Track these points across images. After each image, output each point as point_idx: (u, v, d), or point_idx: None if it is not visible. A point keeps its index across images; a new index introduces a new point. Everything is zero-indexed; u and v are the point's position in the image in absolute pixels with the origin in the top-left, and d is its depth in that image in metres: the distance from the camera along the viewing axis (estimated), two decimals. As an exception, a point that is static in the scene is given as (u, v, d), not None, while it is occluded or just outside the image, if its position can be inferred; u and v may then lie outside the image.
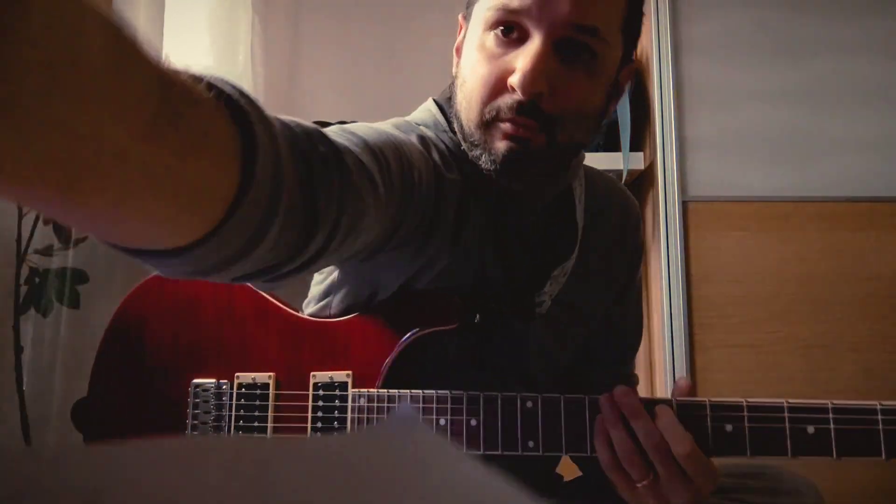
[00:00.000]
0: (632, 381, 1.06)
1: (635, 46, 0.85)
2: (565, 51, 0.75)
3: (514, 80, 0.74)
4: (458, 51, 0.87)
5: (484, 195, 0.85)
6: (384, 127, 0.81)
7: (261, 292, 0.93)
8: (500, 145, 0.77)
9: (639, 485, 0.73)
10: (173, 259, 0.45)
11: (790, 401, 0.73)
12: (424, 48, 1.98)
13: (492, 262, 0.86)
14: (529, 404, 0.78)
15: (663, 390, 1.59)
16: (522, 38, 0.76)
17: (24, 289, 1.58)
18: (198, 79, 0.42)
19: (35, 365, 1.70)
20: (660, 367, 1.62)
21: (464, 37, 0.85)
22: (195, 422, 0.91)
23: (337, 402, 0.85)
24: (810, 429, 0.72)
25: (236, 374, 0.89)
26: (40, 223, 1.59)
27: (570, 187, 0.92)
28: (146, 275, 1.40)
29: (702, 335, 1.59)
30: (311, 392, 0.86)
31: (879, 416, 0.70)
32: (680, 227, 1.63)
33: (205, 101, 0.41)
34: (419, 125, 0.89)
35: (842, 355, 1.58)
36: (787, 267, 1.61)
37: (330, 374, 0.86)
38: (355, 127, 0.72)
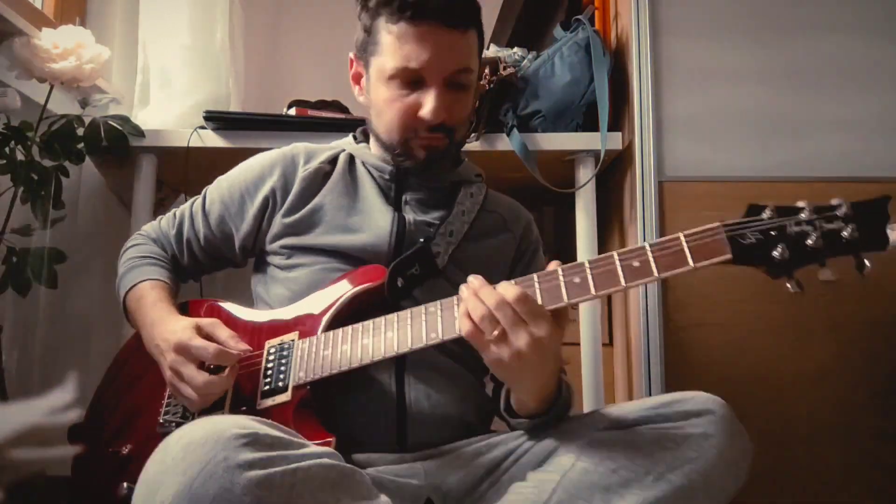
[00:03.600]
0: None
1: (483, 40, 1.23)
2: (451, 86, 1.14)
3: (425, 113, 1.12)
4: (357, 80, 1.24)
5: (397, 179, 1.23)
6: (230, 189, 1.26)
7: (231, 305, 1.22)
8: (420, 153, 1.17)
9: (491, 337, 0.88)
10: None
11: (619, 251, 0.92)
12: (404, 27, 1.96)
13: (397, 222, 1.18)
14: (432, 308, 1.00)
15: (639, 366, 1.62)
16: (420, 84, 1.13)
17: (1, 268, 1.57)
18: None
19: (14, 344, 1.70)
20: (636, 345, 1.65)
21: (364, 75, 1.21)
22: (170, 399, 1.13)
23: (285, 353, 1.07)
24: (636, 262, 0.91)
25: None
26: (18, 202, 1.57)
27: (459, 184, 1.26)
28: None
29: (676, 314, 1.62)
30: (265, 351, 1.09)
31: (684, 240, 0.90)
32: (656, 207, 1.65)
33: None
34: (321, 151, 1.27)
35: (816, 335, 1.60)
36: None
37: (280, 339, 1.10)
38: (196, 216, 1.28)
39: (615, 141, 1.74)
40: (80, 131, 1.67)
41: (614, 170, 1.88)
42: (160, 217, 1.36)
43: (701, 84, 1.70)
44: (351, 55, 1.24)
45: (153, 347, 1.11)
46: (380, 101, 1.17)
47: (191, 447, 0.75)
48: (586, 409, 1.56)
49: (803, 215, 0.86)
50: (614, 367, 1.83)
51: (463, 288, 0.93)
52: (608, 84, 1.74)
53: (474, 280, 0.93)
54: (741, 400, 1.59)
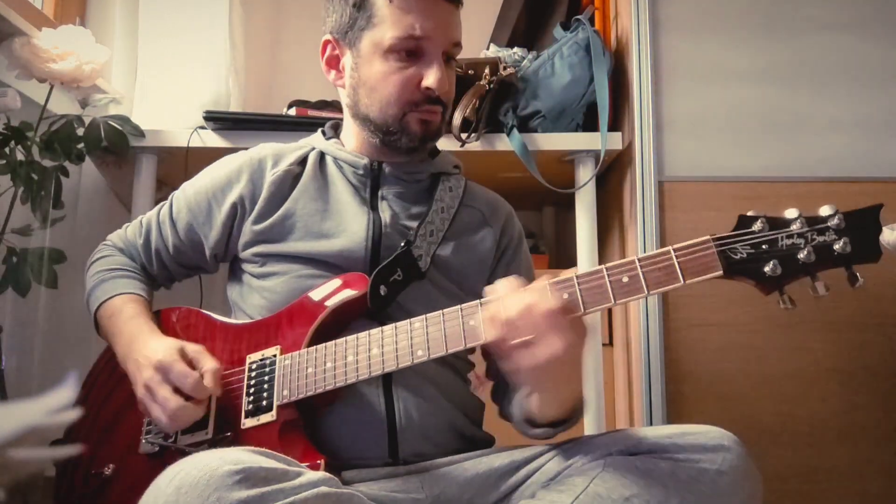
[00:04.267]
0: None
1: None
2: (447, 59, 1.15)
3: (430, 84, 1.11)
4: (333, 64, 1.21)
5: (373, 174, 1.19)
6: (197, 197, 1.22)
7: (208, 314, 1.18)
8: (417, 128, 1.14)
9: (515, 342, 0.85)
10: None
11: (608, 265, 0.90)
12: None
13: (373, 224, 1.15)
14: (417, 324, 0.97)
15: (639, 367, 1.62)
16: (419, 55, 1.12)
17: (1, 268, 1.57)
18: None
19: (14, 344, 1.70)
20: (636, 345, 1.65)
21: (352, 58, 1.16)
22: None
23: (267, 370, 1.04)
24: (625, 278, 0.88)
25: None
26: (17, 202, 1.57)
27: (438, 177, 1.24)
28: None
29: (676, 314, 1.62)
30: (246, 367, 1.06)
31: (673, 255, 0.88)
32: (656, 207, 1.65)
33: None
34: (289, 151, 1.24)
35: (816, 335, 1.60)
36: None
37: (262, 353, 1.07)
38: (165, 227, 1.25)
39: (615, 141, 1.74)
40: (80, 131, 1.67)
41: (614, 170, 1.88)
42: (125, 225, 1.32)
43: (701, 84, 1.70)
44: (327, 37, 1.20)
45: (130, 363, 1.07)
46: (374, 77, 1.14)
47: (182, 490, 0.73)
48: (586, 408, 1.56)
49: (794, 227, 0.85)
50: (614, 367, 1.83)
51: (489, 292, 0.92)
52: (608, 84, 1.74)
53: (501, 286, 0.91)
54: (741, 400, 1.60)
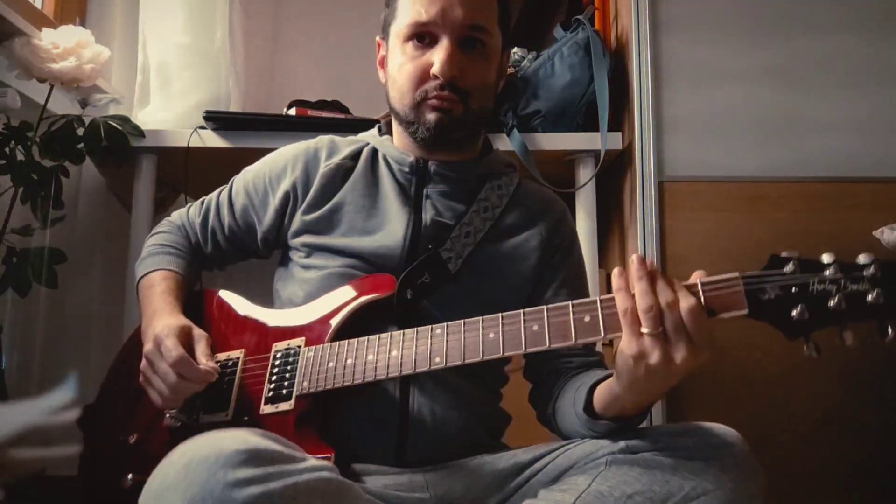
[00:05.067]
0: (591, 363, 1.17)
1: (509, 35, 1.22)
2: (465, 45, 1.12)
3: (435, 69, 1.09)
4: (382, 64, 1.22)
5: (413, 174, 1.18)
6: (255, 181, 1.25)
7: (245, 301, 1.20)
8: (431, 116, 1.12)
9: (646, 332, 0.81)
10: None
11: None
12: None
13: (413, 224, 1.14)
14: (438, 331, 0.97)
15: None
16: (433, 42, 1.11)
17: (1, 268, 1.57)
18: None
19: (14, 344, 1.70)
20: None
21: (386, 52, 1.19)
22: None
23: (290, 359, 1.06)
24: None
25: (215, 356, 1.11)
26: (17, 202, 1.57)
27: (488, 176, 1.21)
28: (124, 256, 1.43)
29: (677, 314, 1.61)
30: (271, 356, 1.08)
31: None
32: (656, 207, 1.65)
33: None
34: (344, 145, 1.25)
35: (818, 333, 1.60)
36: (763, 247, 1.62)
37: (287, 343, 1.08)
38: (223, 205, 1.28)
39: (615, 141, 1.74)
40: (80, 131, 1.67)
41: (614, 170, 1.88)
42: (189, 204, 1.35)
43: (701, 84, 1.70)
44: (377, 39, 1.23)
45: (145, 336, 1.10)
46: (394, 68, 1.15)
47: (191, 465, 0.74)
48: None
49: (828, 272, 0.80)
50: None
51: (637, 264, 0.84)
52: (608, 84, 1.74)
53: (651, 262, 0.86)
54: (741, 399, 1.59)
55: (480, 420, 1.11)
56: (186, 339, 1.06)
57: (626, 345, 0.84)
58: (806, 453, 1.58)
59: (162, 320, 1.09)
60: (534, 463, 1.01)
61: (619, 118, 1.80)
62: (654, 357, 0.81)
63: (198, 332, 1.08)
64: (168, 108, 1.86)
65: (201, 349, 1.05)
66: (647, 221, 1.65)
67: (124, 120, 1.72)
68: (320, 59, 2.33)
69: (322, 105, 1.87)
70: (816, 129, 1.68)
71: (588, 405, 0.99)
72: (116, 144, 1.69)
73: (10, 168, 1.56)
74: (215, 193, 1.32)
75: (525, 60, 1.84)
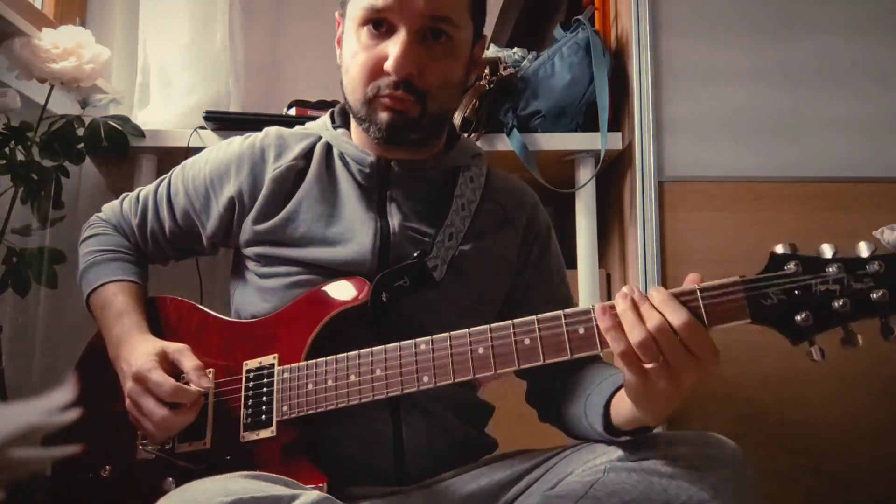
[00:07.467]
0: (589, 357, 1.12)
1: (483, 23, 1.08)
2: (426, 38, 0.98)
3: (388, 65, 0.96)
4: (339, 42, 1.08)
5: (375, 173, 1.07)
6: (195, 182, 1.13)
7: (203, 309, 1.10)
8: (383, 116, 0.99)
9: (648, 365, 0.78)
10: None
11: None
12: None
13: (380, 232, 1.04)
14: (423, 346, 0.90)
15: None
16: (390, 31, 0.97)
17: (1, 268, 1.57)
18: None
19: (14, 345, 1.70)
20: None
21: (342, 31, 1.05)
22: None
23: (265, 380, 0.98)
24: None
25: (181, 376, 0.99)
26: (17, 202, 1.57)
27: (456, 170, 1.11)
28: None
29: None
30: (244, 377, 1.00)
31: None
32: (656, 207, 1.65)
33: None
34: (293, 141, 1.12)
35: (819, 333, 1.60)
36: (763, 247, 1.61)
37: (259, 360, 1.00)
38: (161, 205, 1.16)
39: (615, 141, 1.74)
40: (80, 131, 1.67)
41: (614, 170, 1.88)
42: (122, 196, 1.24)
43: (701, 84, 1.70)
44: (336, 14, 1.09)
45: (118, 367, 1.02)
46: (347, 55, 1.03)
47: None
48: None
49: (831, 271, 0.78)
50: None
51: (619, 299, 0.81)
52: (608, 84, 1.74)
53: (631, 291, 0.81)
54: (742, 401, 1.59)
55: (466, 418, 1.09)
56: (169, 363, 0.98)
57: (631, 378, 0.82)
58: (808, 455, 1.57)
59: (134, 348, 1.01)
60: (531, 472, 0.99)
61: (619, 118, 1.80)
62: (662, 384, 0.79)
63: (174, 348, 1.00)
64: (168, 109, 1.86)
65: (190, 366, 0.97)
66: (647, 221, 1.65)
67: (124, 120, 1.72)
68: (320, 59, 2.32)
69: (322, 105, 1.87)
70: (816, 129, 1.68)
71: (607, 423, 0.95)
72: (116, 144, 1.68)
73: (10, 168, 1.56)
74: (152, 188, 1.20)
75: (525, 60, 1.84)
